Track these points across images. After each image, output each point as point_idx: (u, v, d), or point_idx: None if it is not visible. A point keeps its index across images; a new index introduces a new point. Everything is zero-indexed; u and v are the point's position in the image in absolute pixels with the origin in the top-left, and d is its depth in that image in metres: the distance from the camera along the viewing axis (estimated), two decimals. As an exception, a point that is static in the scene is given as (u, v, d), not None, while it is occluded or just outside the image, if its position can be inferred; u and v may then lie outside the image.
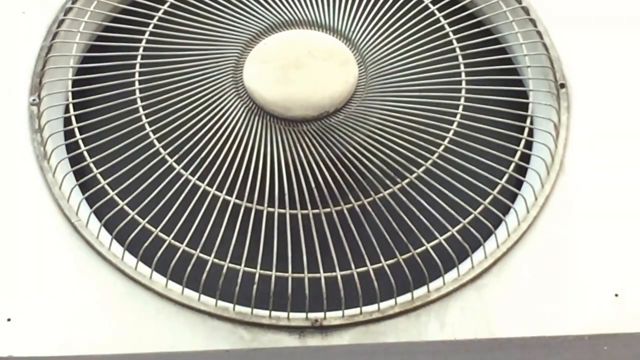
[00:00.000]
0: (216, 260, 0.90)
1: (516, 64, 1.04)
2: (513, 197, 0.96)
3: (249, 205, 0.92)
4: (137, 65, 1.00)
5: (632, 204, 0.96)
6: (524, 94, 1.03)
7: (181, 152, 0.94)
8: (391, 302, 0.91)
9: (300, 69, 0.95)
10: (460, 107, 0.98)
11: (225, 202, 0.92)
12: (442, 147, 0.96)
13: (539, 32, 1.04)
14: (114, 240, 0.92)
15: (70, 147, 0.97)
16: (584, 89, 1.02)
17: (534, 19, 1.04)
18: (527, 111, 1.00)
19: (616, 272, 0.94)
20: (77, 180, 0.96)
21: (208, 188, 0.92)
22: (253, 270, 0.90)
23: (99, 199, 0.93)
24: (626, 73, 1.04)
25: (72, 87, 1.01)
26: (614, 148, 0.98)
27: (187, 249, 0.91)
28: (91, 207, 0.94)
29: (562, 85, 1.01)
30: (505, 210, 0.95)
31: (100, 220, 0.94)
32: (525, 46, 1.03)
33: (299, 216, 0.92)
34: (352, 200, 0.93)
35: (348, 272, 0.90)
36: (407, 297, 0.91)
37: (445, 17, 1.04)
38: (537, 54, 1.03)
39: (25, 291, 0.90)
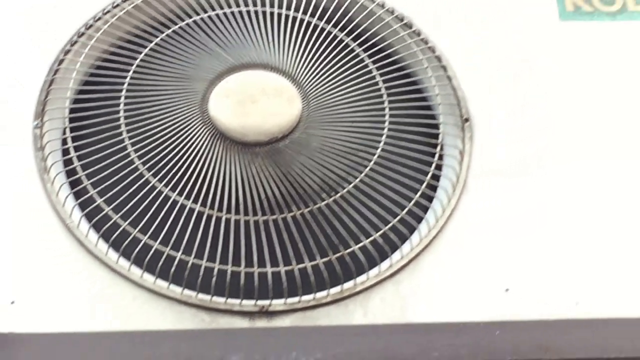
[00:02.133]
0: (183, 257, 0.98)
1: (430, 101, 1.12)
2: (425, 209, 1.06)
3: (211, 212, 1.00)
4: (122, 97, 1.06)
5: (518, 217, 1.04)
6: (436, 126, 1.10)
7: (156, 168, 1.03)
8: (324, 292, 1.00)
9: (255, 103, 1.04)
10: (384, 135, 1.06)
11: (191, 210, 1.00)
12: (368, 168, 1.04)
13: (449, 77, 1.12)
14: (100, 239, 1.01)
15: (66, 163, 1.04)
16: (484, 123, 1.10)
17: (445, 66, 1.12)
18: (438, 140, 1.08)
19: (506, 271, 1.02)
20: (71, 189, 1.03)
21: (178, 197, 1.00)
22: (213, 265, 0.98)
23: (89, 205, 1.02)
24: (517, 112, 1.11)
25: (69, 113, 1.08)
26: (507, 171, 1.07)
27: (159, 247, 0.98)
28: (82, 212, 1.03)
29: (467, 120, 1.09)
30: (419, 220, 1.05)
31: (89, 223, 1.01)
32: (437, 87, 1.11)
33: (251, 222, 1.00)
34: (295, 209, 1.01)
35: (290, 267, 0.99)
36: (337, 289, 1.00)
37: (374, 62, 1.12)
38: (446, 94, 1.11)
39: (27, 278, 0.98)
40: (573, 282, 1.02)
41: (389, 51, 1.16)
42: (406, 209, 1.03)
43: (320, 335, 0.98)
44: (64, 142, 1.07)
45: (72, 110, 1.11)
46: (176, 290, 1.00)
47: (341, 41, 1.13)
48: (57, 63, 1.11)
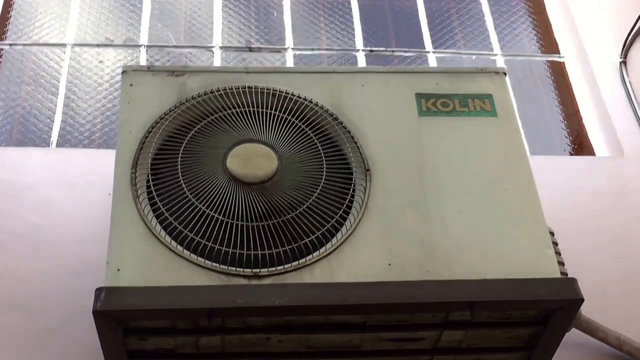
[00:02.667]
0: (213, 245, 1.70)
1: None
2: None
3: (230, 220, 1.73)
4: (180, 156, 1.80)
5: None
6: (351, 172, 1.85)
7: (200, 196, 1.78)
8: (289, 265, 1.70)
9: (252, 161, 1.80)
10: (324, 176, 1.80)
11: (218, 219, 1.73)
12: (314, 196, 1.78)
13: (356, 143, 1.87)
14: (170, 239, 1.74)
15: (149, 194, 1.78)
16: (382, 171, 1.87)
17: (353, 136, 1.88)
18: (352, 180, 1.85)
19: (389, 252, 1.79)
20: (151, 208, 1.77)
21: (211, 212, 1.73)
22: (228, 249, 1.70)
23: (159, 217, 1.75)
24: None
25: (150, 166, 1.82)
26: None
27: (201, 240, 1.71)
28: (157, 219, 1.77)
29: (368, 170, 1.84)
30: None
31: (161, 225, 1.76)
32: (350, 148, 1.87)
33: (251, 226, 1.73)
34: (275, 219, 1.74)
35: (270, 251, 1.70)
36: (296, 262, 1.70)
37: (316, 136, 1.86)
38: (355, 153, 1.87)
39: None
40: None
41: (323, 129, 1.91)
42: (337, 216, 1.77)
43: (287, 289, 1.71)
44: (148, 183, 1.80)
45: (152, 164, 1.83)
46: (201, 259, 1.71)
47: (298, 126, 1.87)
48: (144, 138, 1.85)
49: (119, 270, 1.70)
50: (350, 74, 2.04)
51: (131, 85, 1.93)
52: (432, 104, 1.95)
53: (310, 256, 1.75)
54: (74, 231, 2.25)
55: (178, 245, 1.74)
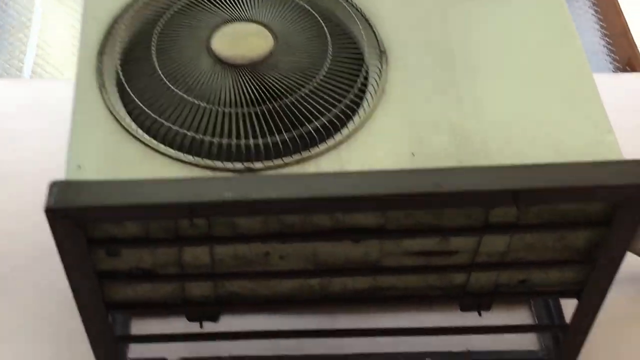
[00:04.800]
0: (189, 133, 1.33)
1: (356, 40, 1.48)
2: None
3: (211, 107, 1.35)
4: (154, 40, 1.44)
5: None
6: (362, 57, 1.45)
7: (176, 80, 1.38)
8: (289, 158, 1.33)
9: (242, 40, 1.42)
10: (329, 58, 1.42)
11: (197, 104, 1.35)
12: (317, 78, 1.39)
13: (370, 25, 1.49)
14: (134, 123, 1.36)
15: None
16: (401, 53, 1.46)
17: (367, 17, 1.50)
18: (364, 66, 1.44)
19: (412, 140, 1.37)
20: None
21: (188, 97, 1.36)
22: (212, 139, 1.32)
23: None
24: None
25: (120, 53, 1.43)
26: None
27: (174, 127, 1.33)
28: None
29: (383, 52, 1.46)
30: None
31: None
32: (362, 29, 1.48)
33: (239, 113, 1.35)
34: (269, 104, 1.36)
35: (265, 140, 1.32)
36: (297, 155, 1.34)
37: (320, 17, 1.47)
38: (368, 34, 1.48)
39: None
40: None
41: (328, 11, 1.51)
42: (346, 100, 1.38)
43: (286, 180, 1.31)
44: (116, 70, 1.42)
45: (122, 51, 1.45)
46: (180, 154, 1.33)
47: (297, 4, 1.49)
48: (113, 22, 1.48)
49: (79, 167, 1.30)
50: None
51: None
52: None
53: (317, 147, 1.35)
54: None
55: (153, 140, 1.35)
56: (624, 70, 2.37)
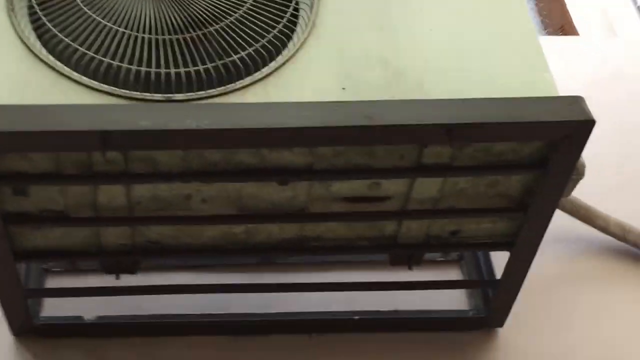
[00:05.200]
0: (106, 59, 1.22)
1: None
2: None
3: (130, 32, 1.25)
4: None
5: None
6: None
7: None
8: (213, 90, 1.22)
9: None
10: None
11: (115, 30, 1.25)
12: (244, 7, 1.29)
13: None
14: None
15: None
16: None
17: None
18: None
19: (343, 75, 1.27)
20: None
21: (106, 22, 1.25)
22: (130, 66, 1.22)
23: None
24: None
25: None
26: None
27: (90, 53, 1.22)
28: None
29: None
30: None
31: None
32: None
33: (160, 40, 1.25)
34: (192, 32, 1.26)
35: (187, 69, 1.22)
36: (222, 88, 1.23)
37: None
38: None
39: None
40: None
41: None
42: (275, 31, 1.28)
43: (209, 109, 1.21)
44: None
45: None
46: (94, 82, 1.22)
47: None
48: None
49: None
50: None
51: None
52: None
53: (242, 80, 1.24)
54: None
55: (65, 67, 1.23)
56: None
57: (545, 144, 1.26)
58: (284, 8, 1.32)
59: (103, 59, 1.23)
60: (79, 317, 1.52)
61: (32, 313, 1.49)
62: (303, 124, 1.18)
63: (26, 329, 1.48)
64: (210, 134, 1.16)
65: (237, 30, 1.28)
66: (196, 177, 1.25)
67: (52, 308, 1.53)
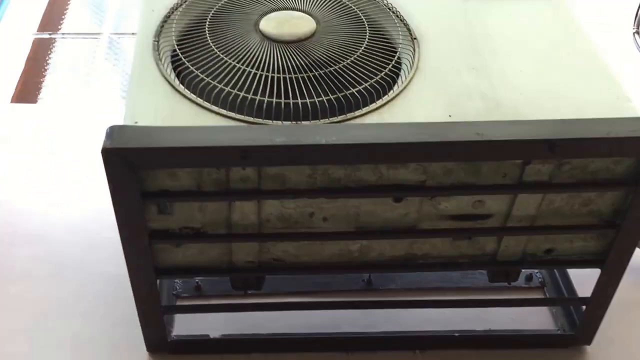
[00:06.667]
0: (244, 94, 1.14)
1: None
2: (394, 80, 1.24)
3: (262, 73, 1.18)
4: (207, 23, 1.26)
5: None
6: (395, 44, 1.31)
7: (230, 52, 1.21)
8: (335, 118, 1.15)
9: (288, 23, 1.27)
10: (367, 38, 1.27)
11: (249, 72, 1.17)
12: (358, 52, 1.23)
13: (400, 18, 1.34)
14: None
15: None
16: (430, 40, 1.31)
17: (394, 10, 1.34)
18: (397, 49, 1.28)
19: (448, 105, 1.19)
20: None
21: (240, 65, 1.18)
22: (263, 98, 1.14)
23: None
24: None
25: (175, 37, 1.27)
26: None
27: (230, 89, 1.14)
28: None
29: (415, 38, 1.30)
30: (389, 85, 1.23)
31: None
32: (395, 19, 1.33)
33: (287, 78, 1.18)
34: (315, 71, 1.19)
35: (312, 100, 1.15)
36: (343, 115, 1.15)
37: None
38: (399, 23, 1.33)
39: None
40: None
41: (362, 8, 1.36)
42: (385, 70, 1.22)
43: (335, 128, 1.12)
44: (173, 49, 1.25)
45: (177, 35, 1.28)
46: (231, 113, 1.15)
47: None
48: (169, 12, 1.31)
49: (136, 122, 1.14)
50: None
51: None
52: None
53: (360, 109, 1.19)
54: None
55: (205, 102, 1.19)
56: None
57: (638, 160, 1.12)
58: (390, 54, 1.26)
59: (239, 93, 1.19)
60: (206, 335, 1.38)
61: (167, 332, 1.36)
62: (419, 139, 1.07)
63: (160, 346, 1.35)
64: (336, 149, 1.07)
65: (353, 69, 1.24)
66: (321, 193, 1.14)
67: (181, 328, 1.40)
